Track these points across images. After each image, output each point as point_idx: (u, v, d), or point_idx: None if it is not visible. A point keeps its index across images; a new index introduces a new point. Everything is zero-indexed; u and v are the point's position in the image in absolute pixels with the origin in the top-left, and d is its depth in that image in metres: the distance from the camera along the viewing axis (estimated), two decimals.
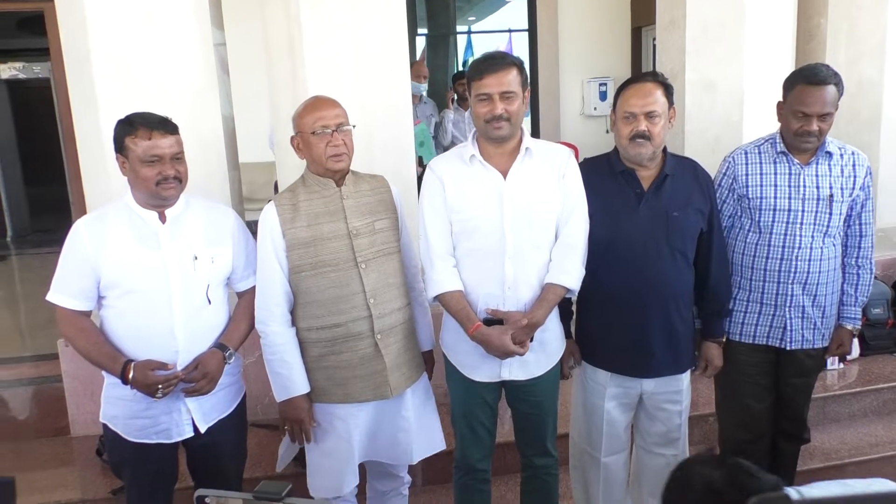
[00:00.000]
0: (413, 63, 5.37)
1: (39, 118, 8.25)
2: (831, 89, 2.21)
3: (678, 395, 2.33)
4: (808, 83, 2.22)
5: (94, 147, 2.90)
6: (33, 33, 7.10)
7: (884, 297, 3.79)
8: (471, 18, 8.79)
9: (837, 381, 3.54)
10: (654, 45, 4.44)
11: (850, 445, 3.23)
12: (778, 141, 2.35)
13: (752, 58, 3.37)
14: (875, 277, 3.85)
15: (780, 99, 2.35)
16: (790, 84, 2.29)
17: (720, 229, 2.34)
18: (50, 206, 8.64)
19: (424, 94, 5.24)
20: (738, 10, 3.42)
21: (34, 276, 6.76)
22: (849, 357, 3.64)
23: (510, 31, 7.97)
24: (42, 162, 8.58)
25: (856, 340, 3.63)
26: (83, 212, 4.03)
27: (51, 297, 2.03)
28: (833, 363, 3.57)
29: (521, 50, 7.76)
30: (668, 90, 2.18)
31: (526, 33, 7.72)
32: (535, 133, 7.40)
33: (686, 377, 2.35)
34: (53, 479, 2.94)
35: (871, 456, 3.16)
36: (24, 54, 8.22)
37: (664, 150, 2.24)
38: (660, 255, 2.18)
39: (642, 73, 2.48)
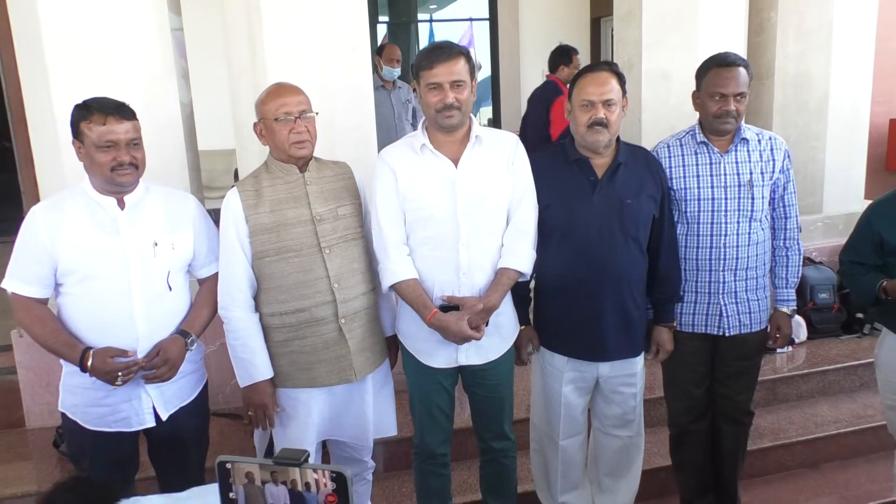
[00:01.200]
0: (384, 47, 5.19)
1: None
2: (742, 71, 2.31)
3: (633, 378, 2.39)
4: (721, 66, 2.33)
5: (48, 133, 2.84)
6: None
7: (829, 283, 3.93)
8: (432, 7, 8.78)
9: (786, 364, 3.67)
10: (613, 36, 4.52)
11: (798, 425, 3.35)
12: (697, 132, 2.42)
13: (706, 49, 3.42)
14: (821, 264, 4.03)
15: (694, 89, 2.42)
16: (703, 70, 2.38)
17: (671, 216, 2.40)
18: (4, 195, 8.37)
19: (397, 79, 5.13)
20: (693, 2, 3.51)
21: None
22: (796, 340, 3.79)
23: (471, 19, 7.99)
24: None
25: (803, 324, 3.79)
26: (34, 199, 3.93)
27: (5, 284, 1.99)
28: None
29: (482, 39, 7.79)
30: (621, 79, 2.24)
31: (487, 22, 7.76)
32: (496, 122, 7.45)
33: (640, 361, 2.41)
34: (9, 472, 2.89)
35: (817, 434, 3.28)
36: None
37: (617, 138, 2.29)
38: (614, 241, 2.24)
39: (597, 62, 2.53)
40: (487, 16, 7.82)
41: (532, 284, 2.39)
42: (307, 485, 1.32)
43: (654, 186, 2.30)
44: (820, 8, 4.11)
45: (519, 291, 2.31)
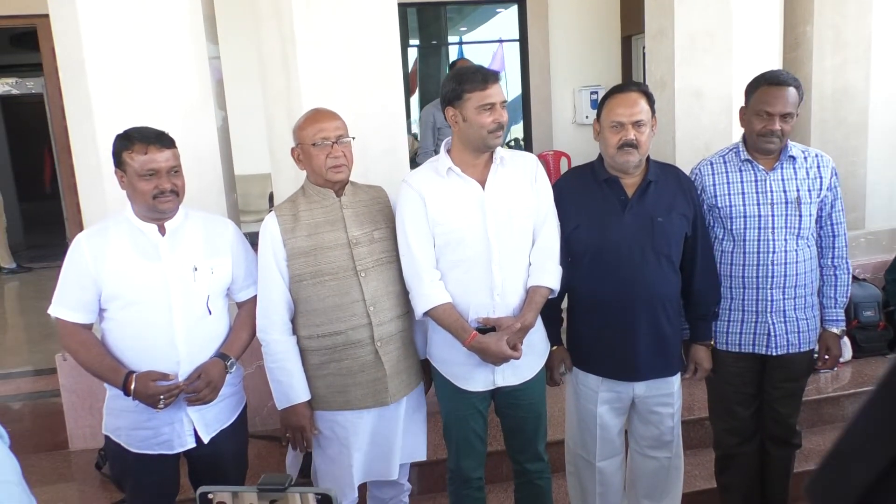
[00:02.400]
0: (456, 63, 4.83)
1: (33, 133, 8.26)
2: (792, 91, 2.27)
3: (669, 398, 2.35)
4: (770, 84, 2.29)
5: (91, 161, 2.92)
6: (26, 48, 7.12)
7: (874, 300, 3.82)
8: (462, 29, 8.85)
9: (831, 384, 3.58)
10: (644, 54, 4.50)
11: None
12: (741, 149, 2.39)
13: (739, 65, 3.43)
14: (865, 280, 3.93)
15: (743, 105, 2.39)
16: (752, 87, 2.35)
17: (705, 233, 2.37)
18: (44, 221, 8.63)
19: None
20: (726, 18, 3.48)
21: (30, 292, 6.75)
22: (841, 360, 3.68)
23: (501, 41, 8.03)
24: (36, 177, 8.57)
25: (848, 343, 3.69)
26: (78, 226, 4.05)
27: (52, 310, 2.05)
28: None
29: (512, 60, 7.83)
30: (650, 99, 2.23)
31: (517, 43, 7.79)
32: (528, 142, 7.46)
33: (677, 380, 2.38)
34: (53, 493, 2.94)
35: None
36: (16, 70, 8.23)
37: (647, 157, 2.28)
38: (645, 260, 2.22)
39: (625, 82, 2.52)
40: (517, 37, 7.86)
41: (564, 304, 2.38)
42: None
43: (685, 204, 2.28)
44: (857, 21, 4.05)
45: (549, 311, 2.30)
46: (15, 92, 8.32)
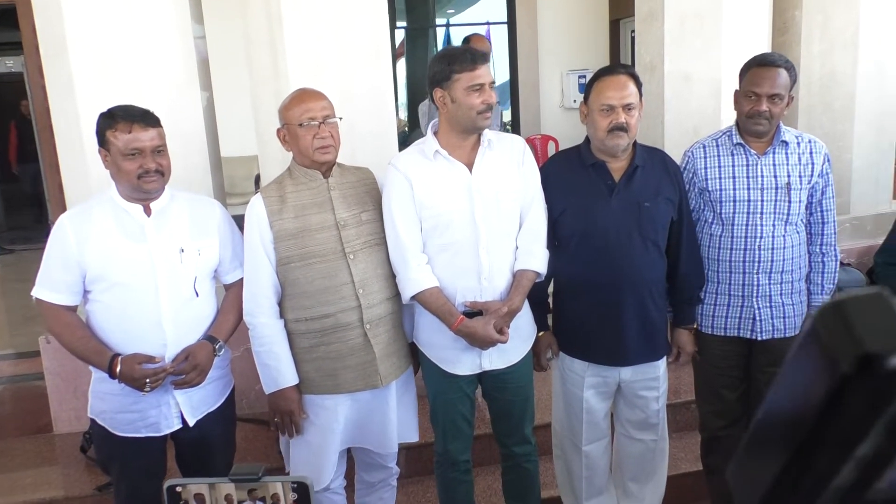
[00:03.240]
0: (469, 39, 4.40)
1: (13, 113, 8.11)
2: (782, 72, 2.27)
3: (655, 382, 2.36)
4: (760, 65, 2.29)
5: (73, 141, 2.87)
6: (5, 27, 6.97)
7: (859, 285, 3.86)
8: (449, 11, 8.79)
9: None
10: (633, 38, 4.49)
11: None
12: (734, 132, 2.39)
13: (729, 49, 3.43)
14: (850, 265, 3.97)
15: (736, 88, 2.39)
16: (744, 70, 2.35)
17: (690, 218, 2.37)
18: (24, 202, 8.51)
19: None
20: (716, 1, 3.47)
21: (10, 274, 6.66)
22: None
23: (488, 23, 7.98)
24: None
25: None
26: (59, 207, 3.98)
27: (35, 292, 2.01)
28: None
29: (499, 42, 7.78)
30: (638, 82, 2.22)
31: (505, 26, 7.74)
32: (516, 126, 7.44)
33: (662, 364, 2.39)
34: (37, 477, 2.92)
35: None
36: None
37: (634, 141, 2.27)
38: (632, 245, 2.22)
39: (613, 65, 2.50)
40: (505, 19, 7.81)
41: (550, 289, 2.38)
42: (274, 496, 1.31)
43: (671, 189, 2.28)
44: (846, 6, 4.06)
45: (535, 296, 2.29)
46: None
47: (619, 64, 2.18)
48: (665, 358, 2.40)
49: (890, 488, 0.37)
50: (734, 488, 0.45)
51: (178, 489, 1.31)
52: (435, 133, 2.17)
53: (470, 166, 2.13)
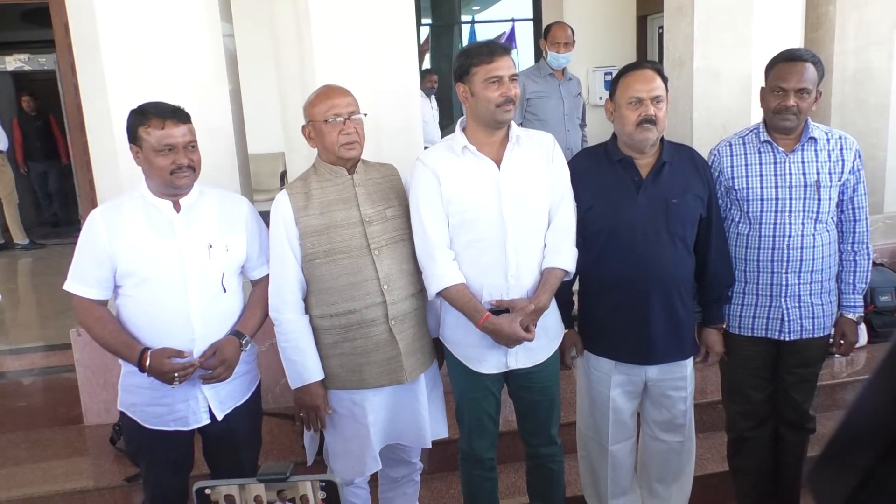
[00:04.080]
0: (550, 27, 4.11)
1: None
2: (809, 67, 2.23)
3: (682, 382, 2.34)
4: (786, 60, 2.26)
5: (105, 137, 2.92)
6: (38, 25, 7.11)
7: (891, 285, 3.78)
8: (475, 8, 8.77)
9: (845, 369, 3.55)
10: (660, 34, 4.44)
11: None
12: (761, 130, 2.35)
13: (759, 45, 3.37)
14: (882, 265, 3.88)
15: (762, 85, 2.36)
16: (770, 66, 2.31)
17: (719, 215, 2.34)
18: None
19: (566, 69, 4.05)
20: None
21: (42, 268, 6.80)
22: (857, 345, 3.65)
23: (514, 20, 7.95)
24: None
25: (864, 328, 3.65)
26: (90, 202, 4.05)
27: (68, 286, 2.05)
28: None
29: (525, 38, 7.75)
30: (664, 78, 2.20)
31: (531, 23, 7.71)
32: None
33: (689, 364, 2.36)
34: (67, 467, 2.97)
35: None
36: (28, 46, 8.23)
37: (661, 137, 2.24)
38: (660, 242, 2.19)
39: (638, 61, 2.49)
40: (531, 16, 7.77)
41: (575, 287, 2.36)
42: (304, 497, 1.31)
43: (700, 185, 2.25)
44: (881, 1, 3.97)
45: (561, 295, 2.27)
46: (27, 68, 8.31)
47: (645, 60, 2.16)
48: (692, 358, 2.38)
49: None
50: (815, 491, 0.45)
51: (207, 491, 1.32)
52: (463, 129, 2.17)
53: (498, 162, 2.12)
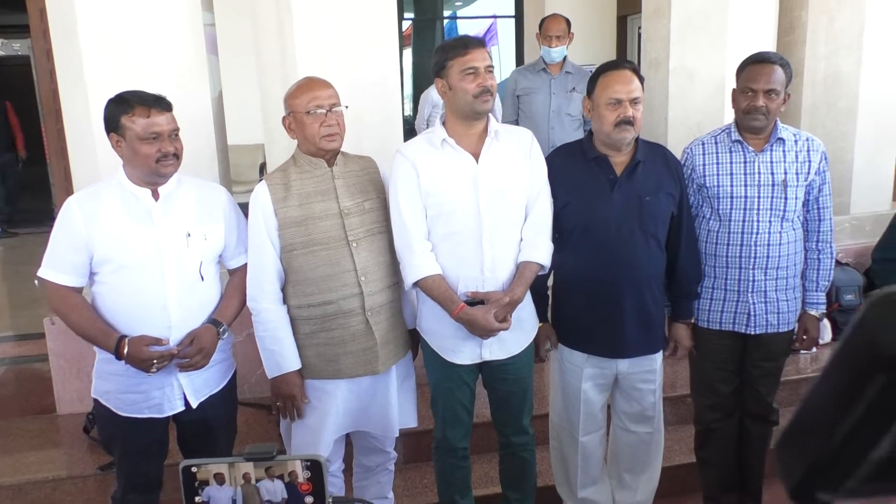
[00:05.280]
0: (545, 20, 4.06)
1: (20, 96, 8.12)
2: (777, 69, 2.30)
3: (651, 375, 2.40)
4: (756, 62, 2.33)
5: (82, 125, 2.90)
6: (12, 10, 6.98)
7: (855, 284, 3.88)
8: (457, 3, 8.79)
9: (810, 365, 3.64)
10: (640, 34, 4.49)
11: None
12: (733, 130, 2.42)
13: (734, 48, 3.44)
14: (848, 265, 3.99)
15: (734, 87, 2.42)
16: (741, 68, 2.39)
17: (689, 213, 2.40)
18: (31, 186, 8.53)
19: (565, 60, 3.96)
20: (722, 0, 3.48)
21: (15, 257, 6.70)
22: (821, 342, 3.75)
23: (495, 17, 7.98)
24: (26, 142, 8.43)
25: (828, 325, 3.75)
26: (65, 191, 4.01)
27: (42, 272, 2.04)
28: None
29: (507, 35, 7.78)
30: (640, 77, 2.25)
31: (512, 19, 7.74)
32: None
33: (658, 357, 2.41)
34: (40, 456, 2.95)
35: None
36: (2, 31, 8.08)
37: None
38: (633, 238, 2.24)
39: (616, 60, 2.53)
40: (513, 13, 7.81)
41: (549, 282, 2.40)
42: (292, 473, 1.34)
43: (672, 184, 2.31)
44: (851, 8, 4.07)
45: (535, 288, 2.31)
46: (1, 53, 8.17)
47: (623, 59, 2.19)
48: (661, 351, 2.44)
49: None
50: (780, 461, 0.49)
51: (194, 469, 1.34)
52: (444, 123, 2.20)
53: (476, 156, 2.15)
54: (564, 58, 3.96)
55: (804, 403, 0.48)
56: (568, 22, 4.00)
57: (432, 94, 4.46)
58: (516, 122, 3.92)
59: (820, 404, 0.46)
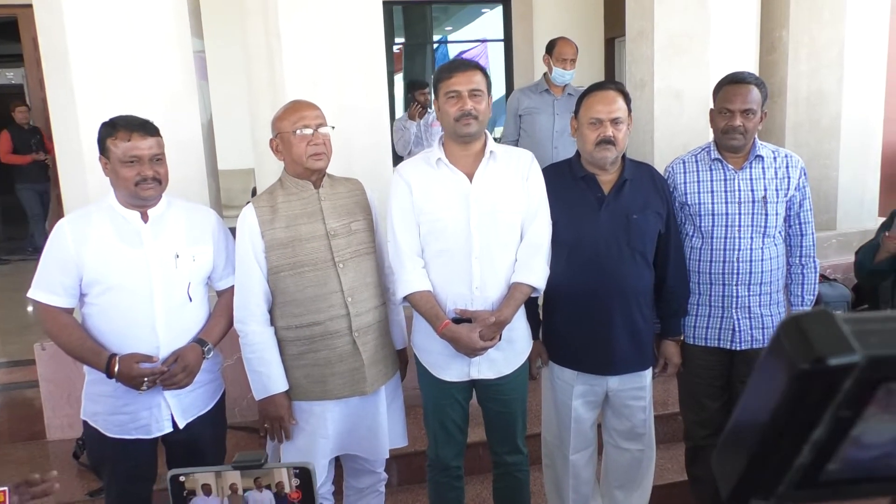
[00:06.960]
0: (555, 42, 4.07)
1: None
2: (753, 89, 2.35)
3: (642, 392, 2.40)
4: (732, 83, 2.38)
5: (73, 151, 2.92)
6: (6, 39, 7.05)
7: (844, 300, 3.90)
8: (447, 28, 8.90)
9: None
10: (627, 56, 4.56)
11: None
12: (712, 148, 2.46)
13: (716, 67, 3.50)
14: (836, 281, 4.02)
15: (711, 107, 2.47)
16: (717, 89, 2.44)
17: (677, 231, 2.43)
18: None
19: (570, 84, 4.04)
20: (704, 21, 3.56)
21: (6, 284, 6.67)
22: None
23: (485, 40, 8.09)
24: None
25: None
26: (56, 217, 4.03)
27: (32, 293, 2.05)
28: None
29: (497, 59, 7.87)
30: (627, 98, 2.29)
31: (501, 43, 7.84)
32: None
33: (648, 374, 2.42)
34: None
35: None
36: None
37: (623, 155, 2.33)
38: (621, 256, 2.26)
39: (603, 81, 2.58)
40: (502, 37, 7.91)
41: (540, 301, 2.42)
42: (279, 484, 1.35)
43: (659, 202, 2.34)
44: (831, 26, 4.15)
45: (529, 307, 2.33)
46: None
47: (610, 80, 2.24)
48: (651, 368, 2.45)
49: (842, 468, 0.45)
50: (716, 472, 0.52)
51: (182, 479, 1.34)
52: (442, 143, 2.24)
53: (471, 176, 2.18)
54: None
55: (736, 413, 0.51)
56: (576, 46, 4.09)
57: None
58: (516, 142, 3.98)
59: (747, 414, 0.49)
